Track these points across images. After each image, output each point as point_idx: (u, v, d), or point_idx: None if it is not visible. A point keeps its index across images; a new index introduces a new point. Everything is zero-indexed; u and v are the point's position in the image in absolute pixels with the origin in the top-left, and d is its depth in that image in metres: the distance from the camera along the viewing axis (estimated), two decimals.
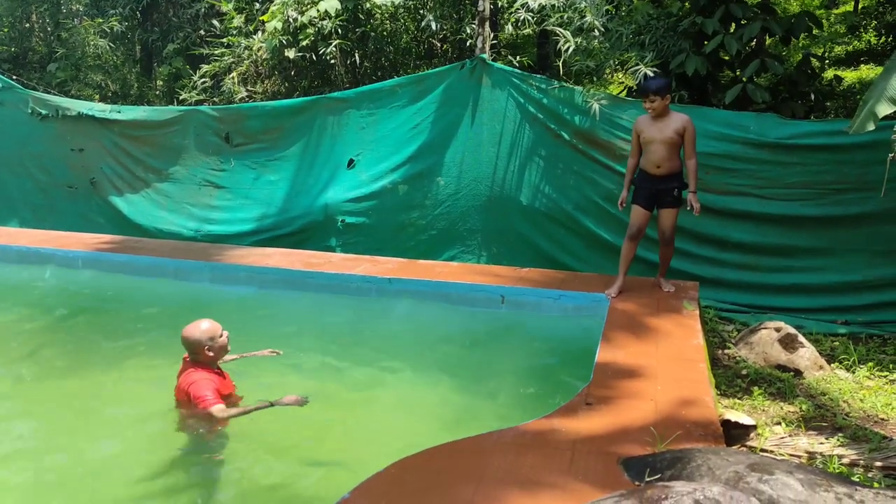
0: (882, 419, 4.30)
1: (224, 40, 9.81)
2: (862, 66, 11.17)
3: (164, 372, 4.29)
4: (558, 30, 6.65)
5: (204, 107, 8.54)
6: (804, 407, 4.43)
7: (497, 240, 7.25)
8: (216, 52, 9.73)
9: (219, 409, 3.75)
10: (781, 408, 4.45)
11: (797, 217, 6.18)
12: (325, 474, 3.55)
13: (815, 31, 8.15)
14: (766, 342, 5.18)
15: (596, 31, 6.59)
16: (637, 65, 6.31)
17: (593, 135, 6.69)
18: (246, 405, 3.94)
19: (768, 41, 8.09)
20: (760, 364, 5.08)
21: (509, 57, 8.26)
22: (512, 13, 7.99)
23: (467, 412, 4.24)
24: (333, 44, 8.51)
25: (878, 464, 3.57)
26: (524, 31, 9.41)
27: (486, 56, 7.14)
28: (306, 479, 3.55)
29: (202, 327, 3.93)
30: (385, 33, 9.43)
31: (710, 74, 7.17)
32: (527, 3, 6.96)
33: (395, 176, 7.44)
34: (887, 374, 4.97)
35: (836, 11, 13.60)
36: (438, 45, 9.85)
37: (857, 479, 3.35)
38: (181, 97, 9.99)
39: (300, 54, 8.76)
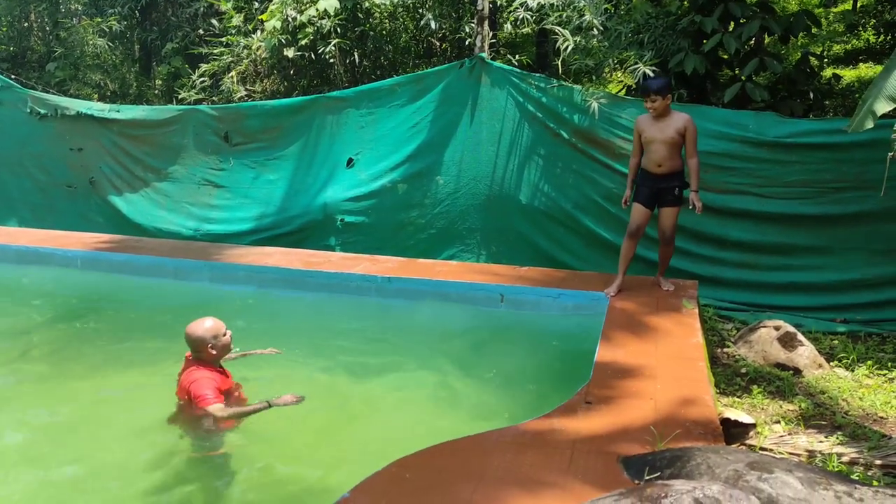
0: (881, 417, 4.30)
1: (223, 39, 9.80)
2: (861, 64, 11.16)
3: (165, 371, 4.30)
4: (557, 28, 6.66)
5: (203, 106, 8.54)
6: (803, 405, 4.43)
7: (496, 239, 7.26)
8: (215, 51, 9.72)
9: (217, 408, 3.75)
10: (781, 406, 4.45)
11: (796, 215, 6.19)
12: (325, 473, 3.55)
13: (813, 30, 8.16)
14: (765, 341, 5.18)
15: (595, 29, 6.59)
16: (636, 63, 6.31)
17: (592, 134, 6.69)
18: (245, 405, 3.95)
19: (767, 40, 8.09)
20: (760, 362, 5.09)
21: (508, 56, 8.24)
22: (511, 12, 7.99)
23: (467, 411, 4.24)
24: (332, 43, 8.50)
25: (878, 462, 3.58)
26: (523, 30, 9.40)
27: (485, 55, 7.14)
28: (306, 478, 3.55)
29: (206, 325, 3.93)
30: (384, 32, 9.43)
31: (708, 73, 7.17)
32: (526, 2, 6.96)
33: (395, 175, 7.44)
34: (886, 372, 4.97)
35: (834, 10, 13.60)
36: (437, 43, 9.85)
37: (857, 478, 3.35)
38: (180, 96, 9.98)
39: (299, 53, 8.76)
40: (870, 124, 4.63)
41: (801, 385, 4.79)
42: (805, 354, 5.04)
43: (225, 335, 3.99)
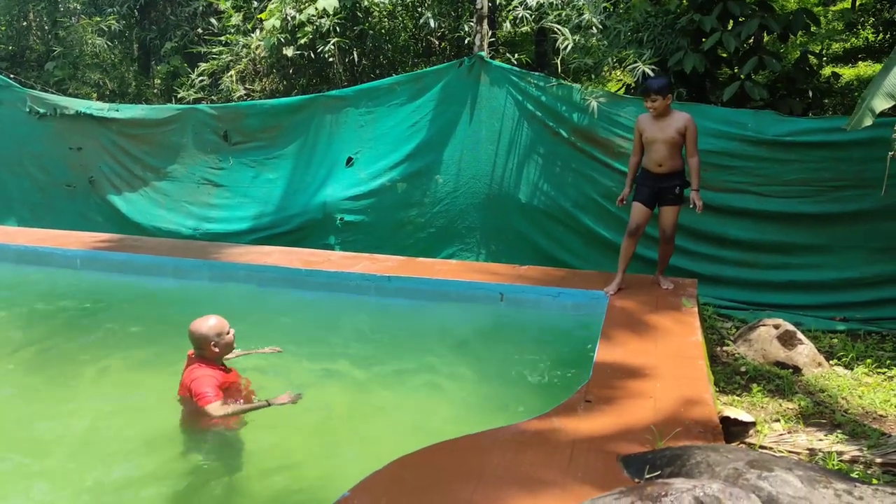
0: (880, 416, 4.31)
1: (222, 38, 9.80)
2: (860, 63, 11.16)
3: (165, 370, 4.30)
4: (556, 27, 6.65)
5: (202, 105, 8.53)
6: (803, 404, 4.44)
7: (496, 237, 7.26)
8: (214, 50, 9.72)
9: (215, 406, 3.75)
10: (780, 404, 4.46)
11: (795, 214, 6.19)
12: (325, 472, 3.55)
13: (812, 29, 8.15)
14: (764, 339, 5.18)
15: (594, 28, 6.59)
16: (635, 62, 6.32)
17: (592, 132, 6.69)
18: (245, 404, 3.95)
19: (766, 38, 8.08)
20: (759, 361, 5.09)
21: (507, 55, 8.25)
22: (510, 11, 7.98)
23: (466, 410, 4.24)
24: (331, 42, 8.50)
25: (878, 460, 3.58)
26: (522, 29, 9.42)
27: (484, 54, 7.14)
28: (306, 476, 3.55)
29: (209, 323, 3.94)
30: (383, 31, 9.42)
31: (708, 72, 7.16)
32: (525, 0, 6.95)
33: (394, 174, 7.44)
34: (885, 370, 4.98)
35: (833, 8, 13.59)
36: (437, 42, 9.85)
37: (857, 476, 3.36)
38: (179, 95, 9.97)
39: (298, 52, 8.75)
40: (868, 121, 4.63)
41: (800, 383, 4.79)
42: (804, 353, 5.05)
43: (228, 333, 4.00)
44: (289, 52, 8.71)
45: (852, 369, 5.05)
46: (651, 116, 5.22)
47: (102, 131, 8.71)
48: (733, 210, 6.32)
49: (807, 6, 12.38)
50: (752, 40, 7.35)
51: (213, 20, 10.97)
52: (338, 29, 8.54)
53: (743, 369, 4.98)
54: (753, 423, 3.91)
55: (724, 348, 5.39)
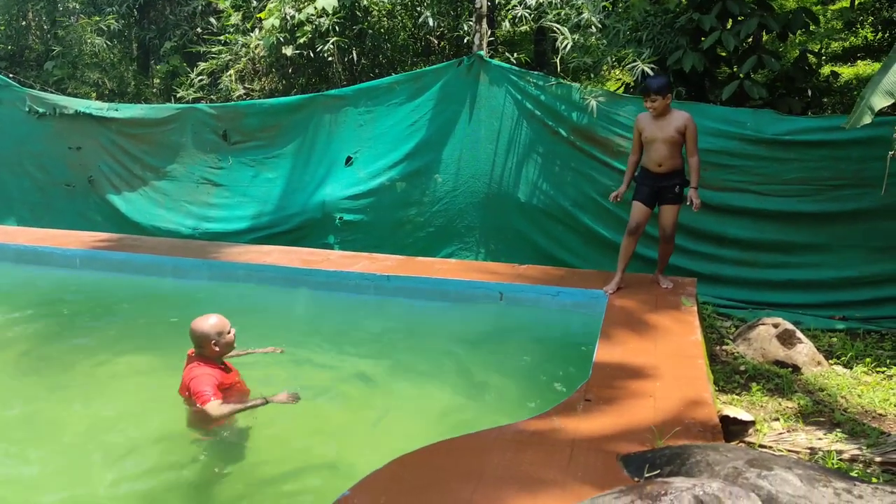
0: (880, 414, 4.31)
1: (221, 38, 9.79)
2: (859, 62, 11.17)
3: (165, 369, 4.30)
4: (556, 26, 6.65)
5: (201, 105, 8.53)
6: (802, 402, 4.44)
7: (495, 237, 7.26)
8: (213, 49, 9.72)
9: (214, 405, 3.75)
10: (780, 403, 4.46)
11: (794, 213, 6.19)
12: (325, 472, 3.55)
13: (811, 28, 8.15)
14: (764, 338, 5.19)
15: (593, 27, 6.59)
16: (634, 61, 6.31)
17: (591, 131, 6.69)
18: (246, 400, 3.95)
19: (765, 37, 8.08)
20: (758, 360, 5.09)
21: (507, 54, 8.25)
22: (509, 10, 7.98)
23: (466, 409, 4.24)
24: (331, 41, 8.50)
25: (877, 459, 3.58)
26: (521, 28, 9.42)
27: (483, 53, 7.14)
28: (306, 476, 3.55)
29: (210, 322, 3.93)
30: (382, 30, 9.42)
31: (707, 71, 7.17)
32: None
33: (393, 173, 7.44)
34: (885, 369, 4.98)
35: (832, 7, 13.59)
36: (436, 42, 9.84)
37: (856, 475, 3.36)
38: (178, 95, 9.97)
39: (297, 52, 8.75)
40: (867, 119, 4.63)
41: (799, 382, 4.80)
42: (804, 352, 5.05)
43: (229, 332, 4.00)
44: (288, 51, 8.71)
45: (851, 368, 5.06)
46: (650, 116, 5.22)
47: (102, 131, 8.71)
48: (732, 209, 6.32)
49: (806, 5, 12.37)
50: (751, 39, 7.35)
51: (212, 19, 10.97)
52: (337, 28, 8.53)
53: (742, 368, 4.98)
54: (753, 422, 3.91)
55: (724, 347, 5.39)
